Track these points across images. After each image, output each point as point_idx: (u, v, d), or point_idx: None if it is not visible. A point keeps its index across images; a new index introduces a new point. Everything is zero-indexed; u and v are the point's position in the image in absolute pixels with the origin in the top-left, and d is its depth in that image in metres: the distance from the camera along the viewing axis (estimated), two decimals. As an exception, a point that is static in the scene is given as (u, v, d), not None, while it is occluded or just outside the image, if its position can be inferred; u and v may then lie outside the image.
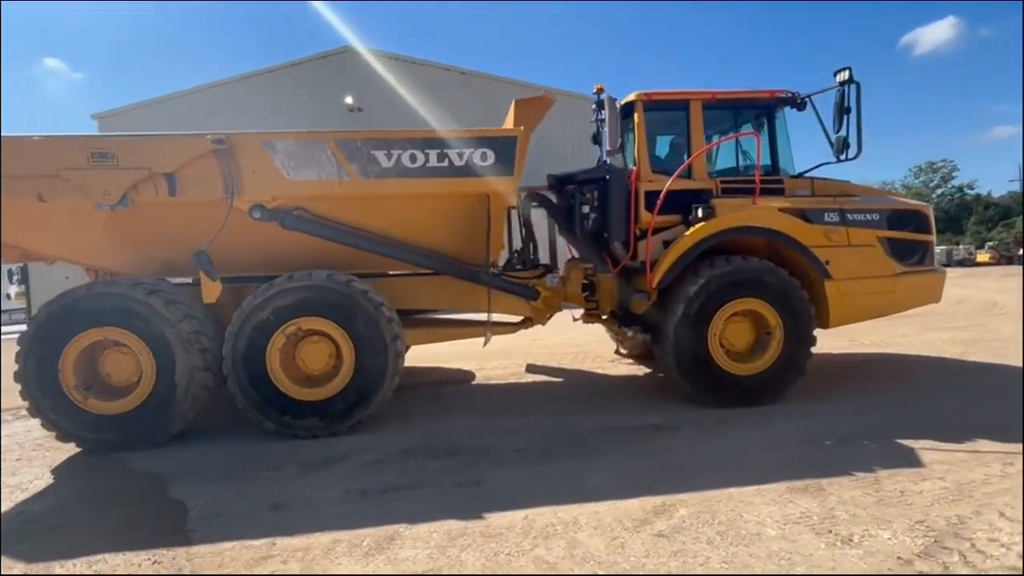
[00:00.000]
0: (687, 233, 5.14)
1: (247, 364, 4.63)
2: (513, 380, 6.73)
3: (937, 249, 6.95)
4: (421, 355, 8.30)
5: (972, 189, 61.01)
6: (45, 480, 4.20)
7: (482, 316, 5.79)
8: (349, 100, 18.31)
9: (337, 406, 4.74)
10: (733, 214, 5.16)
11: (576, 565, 2.77)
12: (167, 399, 4.60)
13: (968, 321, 10.26)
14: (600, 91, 5.86)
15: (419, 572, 2.78)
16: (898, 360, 7.07)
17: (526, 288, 5.72)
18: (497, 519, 3.29)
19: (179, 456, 4.50)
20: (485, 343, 5.66)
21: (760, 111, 5.73)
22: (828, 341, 8.19)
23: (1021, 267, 19.08)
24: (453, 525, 3.24)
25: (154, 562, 2.97)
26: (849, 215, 5.33)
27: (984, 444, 4.10)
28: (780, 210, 5.23)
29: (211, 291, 4.71)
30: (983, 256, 43.68)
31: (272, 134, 4.69)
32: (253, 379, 4.65)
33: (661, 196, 5.23)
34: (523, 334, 6.08)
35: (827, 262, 5.22)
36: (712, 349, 5.10)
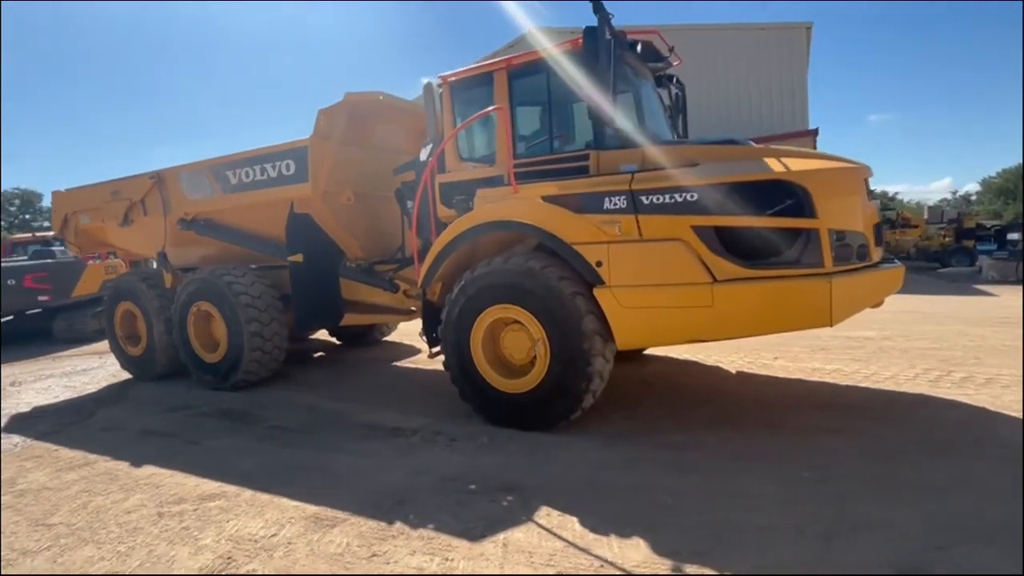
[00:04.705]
0: (443, 233, 4.67)
1: (180, 332, 6.58)
2: (423, 366, 7.03)
3: None
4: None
5: None
6: (98, 387, 7.09)
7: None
8: None
9: (222, 368, 6.28)
10: (483, 208, 4.41)
11: (69, 515, 3.58)
12: (153, 351, 6.97)
13: None
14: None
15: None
16: (871, 400, 4.42)
17: (382, 280, 6.05)
18: (138, 471, 4.23)
19: (144, 389, 6.83)
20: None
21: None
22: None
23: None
24: (112, 465, 4.36)
25: (16, 444, 5.09)
26: (644, 198, 3.85)
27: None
28: (547, 198, 4.19)
29: (167, 280, 6.85)
30: None
31: (183, 166, 6.42)
32: (183, 342, 6.58)
33: (419, 190, 4.84)
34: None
35: (599, 263, 3.96)
36: (475, 359, 4.58)
